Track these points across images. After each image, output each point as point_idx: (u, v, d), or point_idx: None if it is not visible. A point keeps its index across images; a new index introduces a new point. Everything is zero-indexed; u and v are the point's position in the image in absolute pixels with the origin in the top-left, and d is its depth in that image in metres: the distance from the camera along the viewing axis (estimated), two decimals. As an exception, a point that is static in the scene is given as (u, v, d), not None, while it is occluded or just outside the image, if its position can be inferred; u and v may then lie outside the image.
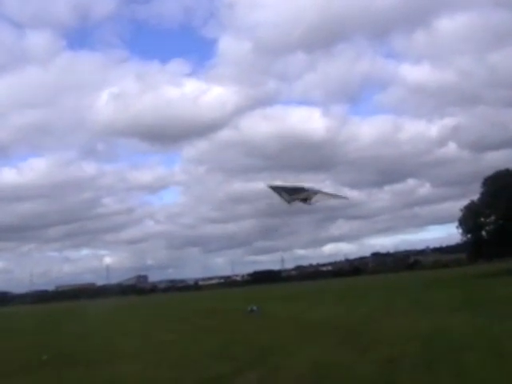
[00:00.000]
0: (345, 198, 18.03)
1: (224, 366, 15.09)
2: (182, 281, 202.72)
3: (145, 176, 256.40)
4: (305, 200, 16.50)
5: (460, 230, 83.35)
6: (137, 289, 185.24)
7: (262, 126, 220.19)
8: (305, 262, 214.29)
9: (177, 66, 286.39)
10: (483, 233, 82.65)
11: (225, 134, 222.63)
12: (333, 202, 17.48)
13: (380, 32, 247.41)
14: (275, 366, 14.57)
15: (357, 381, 11.66)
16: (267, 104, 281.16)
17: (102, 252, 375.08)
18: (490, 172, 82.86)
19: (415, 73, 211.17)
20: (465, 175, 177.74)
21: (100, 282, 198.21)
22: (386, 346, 16.18)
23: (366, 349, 16.14)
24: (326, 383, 11.81)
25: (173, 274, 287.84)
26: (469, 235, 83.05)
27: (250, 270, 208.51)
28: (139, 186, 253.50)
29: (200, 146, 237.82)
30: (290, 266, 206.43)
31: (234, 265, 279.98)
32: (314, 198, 16.75)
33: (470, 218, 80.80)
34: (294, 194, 16.45)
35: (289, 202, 16.54)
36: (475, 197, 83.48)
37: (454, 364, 12.84)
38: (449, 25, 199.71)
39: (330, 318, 27.32)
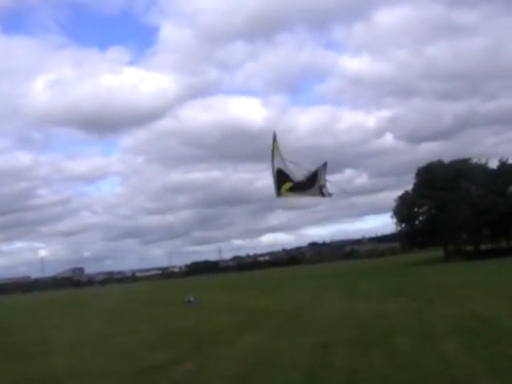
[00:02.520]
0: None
1: (161, 356, 15.02)
2: (119, 273, 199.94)
3: (81, 166, 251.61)
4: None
5: (394, 220, 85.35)
6: (73, 281, 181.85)
7: (202, 115, 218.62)
8: (242, 253, 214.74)
9: (116, 53, 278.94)
10: (416, 222, 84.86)
11: (164, 124, 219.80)
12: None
13: (320, 23, 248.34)
14: (212, 354, 14.62)
15: (293, 366, 11.80)
16: (208, 93, 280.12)
17: (37, 244, 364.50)
18: (424, 163, 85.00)
19: (354, 64, 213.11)
20: (400, 166, 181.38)
21: (35, 275, 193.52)
22: (322, 332, 16.47)
23: (302, 335, 16.40)
24: (262, 370, 11.90)
25: (110, 265, 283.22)
26: (403, 225, 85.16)
27: (188, 261, 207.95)
28: (76, 176, 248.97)
29: (139, 136, 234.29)
30: (227, 256, 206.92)
31: (171, 256, 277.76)
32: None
33: (403, 208, 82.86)
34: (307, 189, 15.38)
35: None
36: (410, 187, 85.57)
37: (387, 347, 13.21)
38: (387, 18, 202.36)
39: (267, 307, 27.62)
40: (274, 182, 14.44)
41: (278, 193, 14.43)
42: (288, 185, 14.57)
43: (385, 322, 17.71)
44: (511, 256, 65.09)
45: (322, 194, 15.12)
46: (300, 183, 14.78)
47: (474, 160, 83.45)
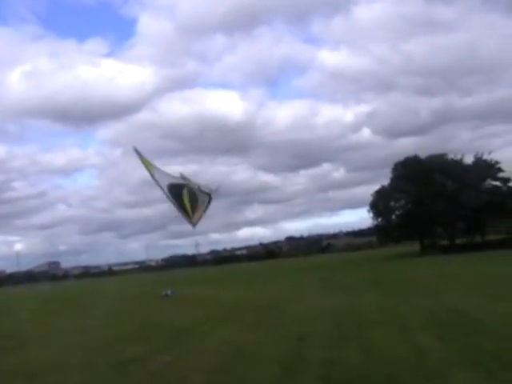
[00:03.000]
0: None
1: (138, 349, 15.04)
2: (95, 267, 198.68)
3: (58, 158, 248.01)
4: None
5: (371, 214, 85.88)
6: (48, 275, 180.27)
7: (180, 108, 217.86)
8: (220, 247, 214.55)
9: (94, 45, 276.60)
10: (393, 217, 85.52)
11: (142, 117, 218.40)
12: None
13: (300, 17, 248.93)
14: (189, 347, 14.67)
15: (268, 359, 11.90)
16: (186, 86, 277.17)
17: (12, 238, 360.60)
18: (401, 158, 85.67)
19: (333, 58, 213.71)
20: (378, 160, 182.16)
21: (10, 270, 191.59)
22: (297, 325, 16.61)
23: (278, 328, 16.51)
24: (238, 362, 11.98)
25: (86, 259, 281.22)
26: (379, 219, 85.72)
27: (165, 254, 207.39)
28: (52, 168, 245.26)
29: (116, 128, 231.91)
30: (204, 250, 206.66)
31: (148, 250, 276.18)
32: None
33: (380, 203, 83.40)
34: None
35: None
36: (387, 182, 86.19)
37: (362, 340, 13.34)
38: (366, 12, 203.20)
39: (244, 300, 27.71)
40: (176, 206, 14.60)
41: (193, 222, 14.81)
42: (186, 200, 14.88)
43: (360, 315, 17.89)
44: (485, 250, 66.03)
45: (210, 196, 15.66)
46: (191, 191, 15.10)
47: (450, 155, 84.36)
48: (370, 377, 9.57)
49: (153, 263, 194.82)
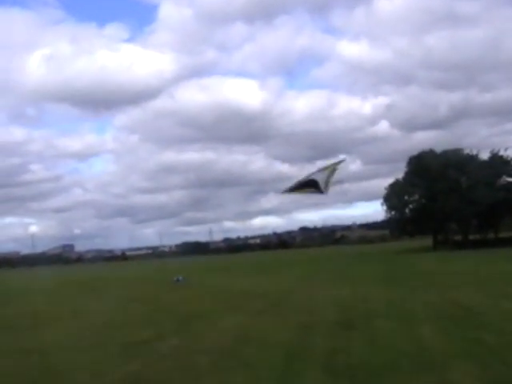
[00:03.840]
0: (342, 160, 17.32)
1: (148, 332, 15.43)
2: (109, 251, 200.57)
3: (75, 143, 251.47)
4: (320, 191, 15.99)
5: (384, 207, 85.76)
6: (63, 258, 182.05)
7: (197, 96, 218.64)
8: (233, 235, 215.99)
9: (114, 30, 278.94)
10: (406, 211, 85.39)
11: (159, 103, 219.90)
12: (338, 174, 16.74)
13: (321, 7, 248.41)
14: (197, 332, 15.05)
15: (273, 344, 12.22)
16: (204, 74, 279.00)
17: (28, 220, 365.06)
18: (418, 152, 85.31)
19: (353, 50, 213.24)
20: (394, 154, 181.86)
21: (25, 251, 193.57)
22: (306, 314, 16.97)
23: (285, 316, 16.88)
24: (243, 346, 12.32)
25: (100, 244, 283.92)
26: (393, 212, 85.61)
27: (179, 241, 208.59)
28: (69, 153, 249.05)
29: (133, 114, 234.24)
30: (218, 238, 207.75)
31: (162, 236, 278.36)
32: (329, 186, 16.24)
33: (394, 196, 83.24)
34: (306, 188, 15.95)
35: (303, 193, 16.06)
36: (402, 175, 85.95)
37: (367, 330, 13.62)
38: (388, 4, 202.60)
39: (255, 288, 28.04)
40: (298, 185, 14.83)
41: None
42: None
43: (368, 307, 18.14)
44: (498, 247, 65.98)
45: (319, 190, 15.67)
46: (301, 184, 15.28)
47: (466, 151, 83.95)
48: (370, 365, 9.83)
49: (166, 249, 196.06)
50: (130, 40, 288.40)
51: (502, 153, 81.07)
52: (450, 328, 13.25)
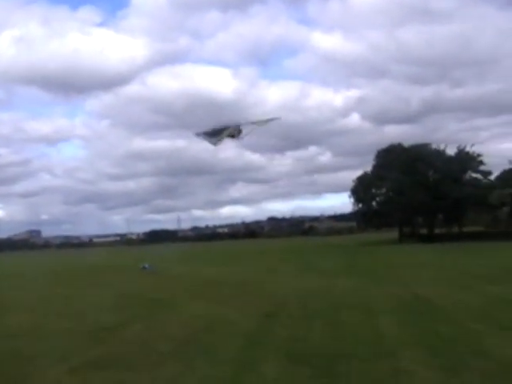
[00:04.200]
0: (276, 118, 17.37)
1: (113, 318, 15.63)
2: (76, 237, 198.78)
3: (44, 127, 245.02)
4: (232, 136, 16.06)
5: (352, 200, 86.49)
6: (29, 244, 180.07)
7: (170, 83, 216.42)
8: (202, 224, 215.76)
9: (87, 13, 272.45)
10: (373, 203, 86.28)
11: (131, 89, 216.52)
12: (264, 127, 16.84)
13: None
14: (161, 318, 15.30)
15: (235, 332, 12.54)
16: (177, 61, 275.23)
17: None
18: (388, 145, 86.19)
19: (327, 41, 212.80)
20: (365, 146, 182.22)
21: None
22: (268, 303, 17.33)
23: (249, 304, 17.19)
24: (206, 333, 12.62)
25: (67, 230, 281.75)
26: (360, 205, 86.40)
27: (147, 228, 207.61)
28: (37, 137, 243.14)
29: (105, 100, 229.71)
30: (186, 226, 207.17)
31: (130, 223, 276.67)
32: (243, 132, 16.33)
33: (361, 189, 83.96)
34: (218, 135, 15.99)
35: (215, 144, 16.03)
36: (370, 168, 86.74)
37: (328, 320, 14.03)
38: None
39: (221, 277, 28.38)
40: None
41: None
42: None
43: (331, 297, 18.60)
44: (462, 241, 67.19)
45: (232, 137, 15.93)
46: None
47: (433, 146, 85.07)
48: (327, 353, 10.15)
49: (134, 237, 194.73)
50: (102, 24, 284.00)
51: (468, 149, 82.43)
52: (407, 318, 13.69)
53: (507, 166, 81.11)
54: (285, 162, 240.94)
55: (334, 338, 11.68)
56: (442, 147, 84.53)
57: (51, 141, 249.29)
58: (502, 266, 28.50)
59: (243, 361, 9.94)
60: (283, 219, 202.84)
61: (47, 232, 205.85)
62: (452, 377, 8.50)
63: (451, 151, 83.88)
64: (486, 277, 23.45)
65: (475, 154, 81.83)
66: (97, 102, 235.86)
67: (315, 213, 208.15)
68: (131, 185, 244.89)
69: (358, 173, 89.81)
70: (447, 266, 31.81)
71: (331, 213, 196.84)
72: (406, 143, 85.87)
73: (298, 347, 10.88)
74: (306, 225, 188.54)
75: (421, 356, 9.75)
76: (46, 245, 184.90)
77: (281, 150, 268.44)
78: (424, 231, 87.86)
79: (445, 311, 14.75)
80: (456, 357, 9.60)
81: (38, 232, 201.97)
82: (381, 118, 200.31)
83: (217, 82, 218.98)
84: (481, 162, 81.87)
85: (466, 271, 26.84)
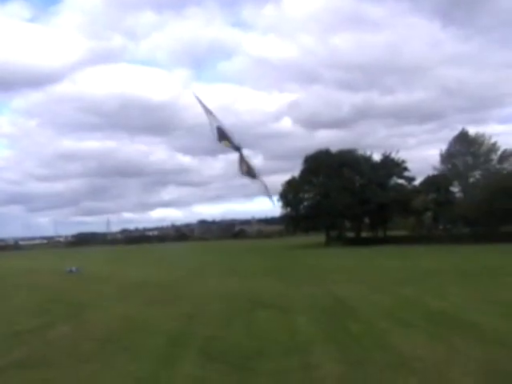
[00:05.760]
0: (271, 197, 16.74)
1: (38, 320, 15.78)
2: (1, 240, 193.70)
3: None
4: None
5: (280, 204, 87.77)
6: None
7: (102, 82, 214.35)
8: (131, 226, 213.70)
9: (16, 8, 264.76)
10: (301, 207, 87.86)
11: (62, 88, 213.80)
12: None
13: (232, 0, 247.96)
14: (86, 320, 15.57)
15: (157, 332, 13.03)
16: (110, 60, 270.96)
17: None
18: (320, 149, 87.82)
19: (260, 45, 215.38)
20: (296, 150, 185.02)
21: None
22: (190, 304, 17.87)
23: (173, 306, 17.68)
24: (129, 333, 13.05)
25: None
26: (288, 208, 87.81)
27: (75, 231, 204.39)
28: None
29: (33, 98, 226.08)
30: (116, 229, 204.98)
31: (58, 225, 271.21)
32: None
33: (289, 193, 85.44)
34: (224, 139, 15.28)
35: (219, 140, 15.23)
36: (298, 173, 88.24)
37: (247, 320, 14.67)
38: (298, 2, 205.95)
39: (146, 279, 28.74)
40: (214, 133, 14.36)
41: (219, 140, 14.36)
42: (227, 142, 14.75)
43: (251, 298, 19.24)
44: (386, 244, 69.38)
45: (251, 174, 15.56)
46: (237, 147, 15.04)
47: (360, 151, 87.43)
48: (243, 351, 10.78)
49: (61, 239, 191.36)
50: (33, 20, 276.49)
51: (393, 155, 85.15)
52: (322, 318, 14.47)
53: (431, 172, 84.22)
54: (217, 165, 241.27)
55: (250, 336, 12.31)
56: (368, 153, 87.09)
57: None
58: (418, 269, 29.95)
59: (162, 359, 10.44)
60: (213, 222, 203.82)
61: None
62: (356, 369, 9.24)
63: (379, 157, 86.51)
64: (401, 279, 24.68)
65: (400, 161, 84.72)
66: (24, 101, 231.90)
67: (246, 216, 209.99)
68: (59, 186, 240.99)
69: (289, 177, 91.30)
70: (367, 268, 33.07)
71: (262, 216, 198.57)
72: (337, 148, 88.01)
73: (215, 346, 11.45)
74: (237, 228, 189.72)
75: (330, 351, 10.50)
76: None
77: (213, 152, 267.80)
78: (351, 235, 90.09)
79: (357, 310, 15.61)
80: (362, 351, 10.39)
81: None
82: (312, 123, 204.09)
83: (150, 83, 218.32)
84: (405, 168, 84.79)
85: (384, 273, 28.03)
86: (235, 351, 10.82)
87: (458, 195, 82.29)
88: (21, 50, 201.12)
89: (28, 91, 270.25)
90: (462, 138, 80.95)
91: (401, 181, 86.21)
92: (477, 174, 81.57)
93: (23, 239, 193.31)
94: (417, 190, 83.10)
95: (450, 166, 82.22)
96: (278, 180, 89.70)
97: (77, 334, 13.32)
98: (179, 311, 16.29)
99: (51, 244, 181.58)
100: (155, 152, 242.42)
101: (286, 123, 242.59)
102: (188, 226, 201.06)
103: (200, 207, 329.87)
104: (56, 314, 17.02)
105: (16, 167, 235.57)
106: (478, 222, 69.75)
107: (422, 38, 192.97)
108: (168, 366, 9.94)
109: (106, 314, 16.65)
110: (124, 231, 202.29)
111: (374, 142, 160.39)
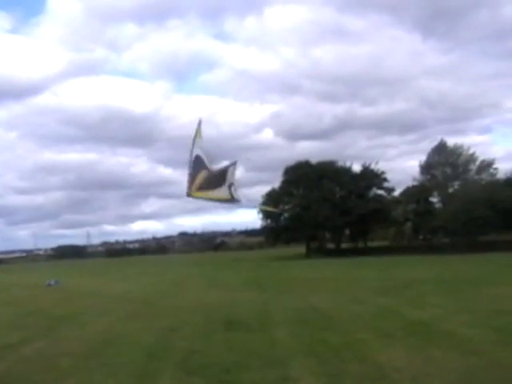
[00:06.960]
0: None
1: (14, 335, 15.57)
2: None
3: None
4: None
5: (260, 215, 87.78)
6: None
7: (83, 94, 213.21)
8: (112, 239, 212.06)
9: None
10: (282, 219, 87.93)
11: (42, 100, 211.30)
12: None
13: (214, 13, 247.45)
14: (64, 335, 15.42)
15: (136, 346, 12.93)
16: (92, 72, 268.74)
17: None
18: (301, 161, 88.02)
19: (241, 57, 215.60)
20: (277, 162, 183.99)
21: None
22: (171, 317, 17.78)
23: (153, 319, 17.58)
24: (108, 348, 12.94)
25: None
26: (268, 220, 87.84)
27: (55, 244, 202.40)
28: None
29: (13, 110, 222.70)
30: (96, 241, 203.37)
31: (37, 238, 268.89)
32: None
33: (269, 205, 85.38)
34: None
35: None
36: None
37: (226, 333, 14.65)
38: (279, 15, 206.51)
39: (127, 292, 28.54)
40: (189, 173, 14.12)
41: (189, 191, 14.10)
42: (201, 177, 14.42)
43: (232, 310, 19.20)
44: (366, 255, 69.66)
45: (232, 197, 15.36)
46: (213, 175, 14.84)
47: (340, 163, 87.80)
48: (221, 364, 10.73)
49: (41, 253, 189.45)
50: (13, 31, 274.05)
51: (373, 166, 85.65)
52: (301, 330, 14.48)
53: (411, 183, 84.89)
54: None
55: (229, 349, 12.27)
56: (348, 165, 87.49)
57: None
58: (398, 279, 30.11)
59: (141, 373, 10.38)
60: (194, 234, 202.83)
61: None
62: (335, 382, 9.28)
63: (359, 168, 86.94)
64: (381, 289, 24.74)
65: (379, 172, 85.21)
66: (4, 112, 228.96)
67: (227, 228, 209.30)
68: (39, 199, 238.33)
69: (270, 188, 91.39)
70: (347, 279, 33.14)
71: (243, 228, 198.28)
72: (319, 159, 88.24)
73: (195, 359, 11.41)
74: (218, 240, 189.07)
75: (309, 364, 10.51)
76: None
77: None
78: (332, 246, 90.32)
79: (337, 322, 15.68)
80: (340, 364, 10.42)
81: None
82: (294, 134, 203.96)
83: (131, 95, 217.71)
84: (385, 179, 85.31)
85: (364, 284, 28.12)
86: (215, 364, 10.78)
87: (438, 205, 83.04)
88: (1, 61, 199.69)
89: (8, 103, 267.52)
90: (441, 149, 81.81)
91: (380, 192, 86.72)
92: (456, 184, 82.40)
93: (2, 252, 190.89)
94: (397, 201, 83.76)
95: (429, 176, 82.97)
96: (260, 191, 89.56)
97: (54, 350, 13.17)
98: (159, 325, 16.21)
99: (31, 257, 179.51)
100: (136, 164, 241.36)
101: (268, 134, 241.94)
102: (169, 238, 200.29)
103: (181, 219, 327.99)
104: (34, 329, 16.84)
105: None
106: (457, 232, 70.31)
107: (402, 50, 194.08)
108: (147, 380, 9.90)
109: (85, 328, 16.51)
110: (104, 244, 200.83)
111: (355, 152, 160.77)
